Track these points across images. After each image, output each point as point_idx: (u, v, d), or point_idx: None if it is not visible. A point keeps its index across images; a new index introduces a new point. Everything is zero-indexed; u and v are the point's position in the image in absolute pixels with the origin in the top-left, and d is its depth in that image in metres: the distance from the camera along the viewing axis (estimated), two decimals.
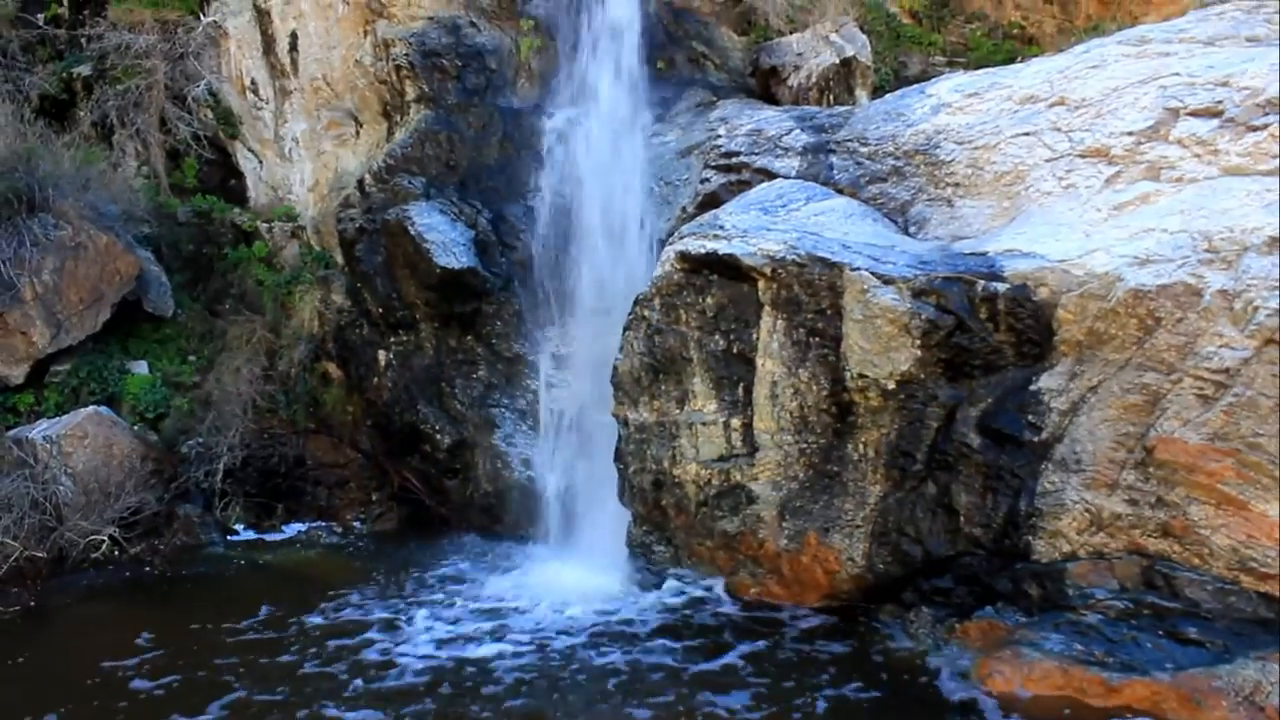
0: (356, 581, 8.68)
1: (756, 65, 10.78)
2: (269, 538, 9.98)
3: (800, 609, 7.72)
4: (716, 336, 7.79)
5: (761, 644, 7.27)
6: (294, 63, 11.18)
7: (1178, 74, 7.31)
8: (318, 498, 10.59)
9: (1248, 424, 6.06)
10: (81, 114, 11.33)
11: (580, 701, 6.58)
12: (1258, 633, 6.11)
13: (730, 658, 7.10)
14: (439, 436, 10.13)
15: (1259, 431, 6.03)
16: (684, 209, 9.35)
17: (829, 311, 7.27)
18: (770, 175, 8.96)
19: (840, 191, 8.51)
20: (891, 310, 6.96)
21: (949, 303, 6.87)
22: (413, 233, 9.82)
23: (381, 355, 10.55)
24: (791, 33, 10.86)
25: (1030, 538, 6.81)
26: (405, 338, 10.43)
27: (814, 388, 7.41)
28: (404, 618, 7.84)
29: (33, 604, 8.24)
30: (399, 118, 10.77)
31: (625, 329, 8.15)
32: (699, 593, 8.05)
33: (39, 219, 9.80)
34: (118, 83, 11.22)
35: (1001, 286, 6.77)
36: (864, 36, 10.69)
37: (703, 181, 9.41)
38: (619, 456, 8.34)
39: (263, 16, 11.18)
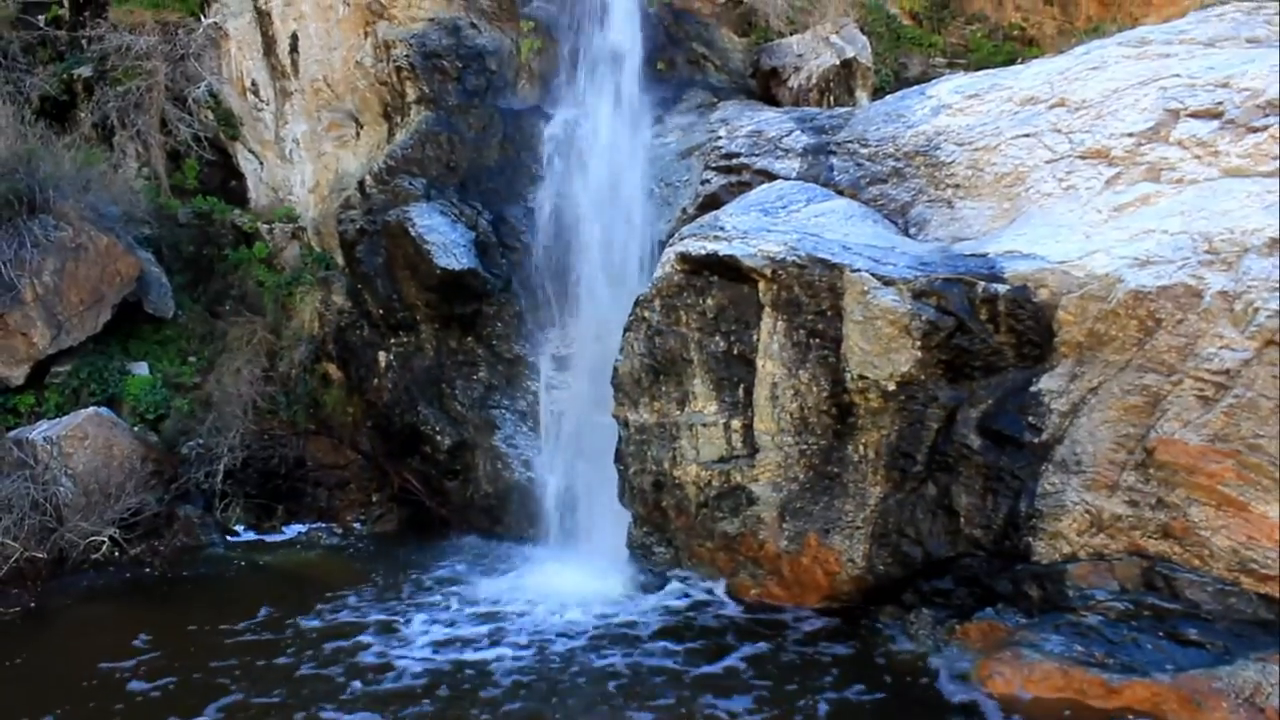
0: (356, 583, 8.67)
1: (757, 66, 10.78)
2: (269, 539, 9.98)
3: (802, 610, 7.70)
4: (717, 338, 7.79)
5: (764, 646, 7.25)
6: (294, 64, 11.18)
7: (1178, 75, 7.31)
8: (318, 499, 10.59)
9: (1248, 425, 6.06)
10: (82, 115, 11.34)
11: (580, 704, 6.54)
12: (1258, 634, 6.10)
13: (732, 660, 7.07)
14: (439, 438, 10.12)
15: (1259, 433, 6.03)
16: (684, 210, 9.35)
17: (829, 313, 7.27)
18: (771, 176, 8.96)
19: (840, 193, 8.51)
20: (892, 311, 6.96)
21: (949, 304, 6.87)
22: (413, 234, 9.82)
23: (382, 356, 10.55)
24: (792, 34, 10.87)
25: (1030, 539, 6.80)
26: (406, 339, 10.43)
27: (814, 389, 7.41)
28: (403, 620, 7.82)
29: (33, 605, 8.23)
30: (399, 119, 10.77)
31: (625, 330, 8.14)
32: (700, 594, 8.03)
33: (39, 220, 9.79)
34: (118, 84, 11.23)
35: (1002, 288, 6.77)
36: (864, 38, 10.70)
37: (703, 183, 9.41)
38: (619, 458, 8.33)
39: (263, 18, 11.20)
